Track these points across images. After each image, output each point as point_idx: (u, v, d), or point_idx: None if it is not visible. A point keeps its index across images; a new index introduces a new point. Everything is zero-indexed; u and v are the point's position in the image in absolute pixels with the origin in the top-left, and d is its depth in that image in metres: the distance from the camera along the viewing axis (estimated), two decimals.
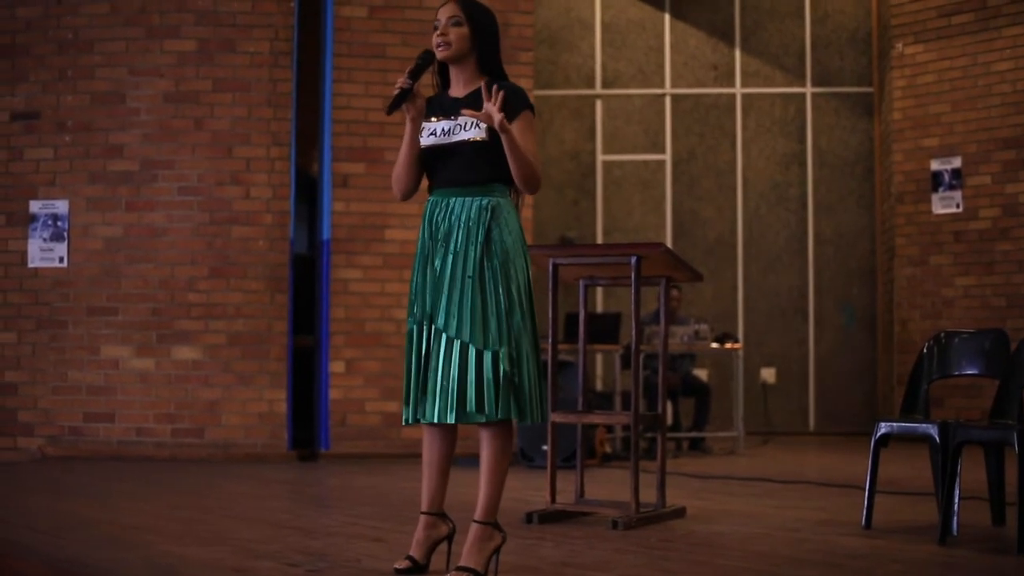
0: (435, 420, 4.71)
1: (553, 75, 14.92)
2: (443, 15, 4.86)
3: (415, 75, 4.83)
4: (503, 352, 4.65)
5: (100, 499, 7.84)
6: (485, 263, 4.71)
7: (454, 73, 4.93)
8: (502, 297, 4.69)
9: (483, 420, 4.64)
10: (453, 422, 4.70)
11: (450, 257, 4.74)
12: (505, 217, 4.76)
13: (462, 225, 4.75)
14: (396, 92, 4.79)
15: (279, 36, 11.21)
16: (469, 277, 4.70)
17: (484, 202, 4.76)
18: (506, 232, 4.74)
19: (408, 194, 4.98)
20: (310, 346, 11.35)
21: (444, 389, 4.68)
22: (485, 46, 4.88)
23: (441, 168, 4.85)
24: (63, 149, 11.11)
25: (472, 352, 4.66)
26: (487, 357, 4.64)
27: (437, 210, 4.82)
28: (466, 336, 4.67)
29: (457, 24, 4.83)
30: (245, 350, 10.99)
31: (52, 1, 11.17)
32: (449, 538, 4.97)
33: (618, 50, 15.04)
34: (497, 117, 4.61)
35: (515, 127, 4.73)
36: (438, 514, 4.92)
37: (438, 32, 4.85)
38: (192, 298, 11.00)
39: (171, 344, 10.97)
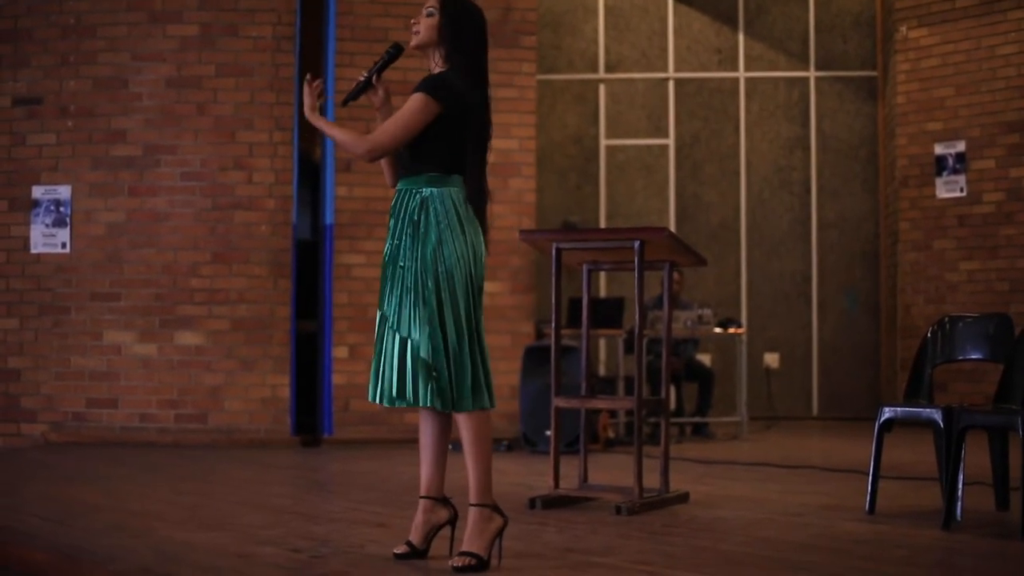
0: (374, 402, 4.91)
1: (556, 59, 14.88)
2: (424, 6, 4.98)
3: (377, 69, 5.02)
4: (422, 340, 4.75)
5: (103, 485, 7.85)
6: (412, 251, 4.83)
7: (429, 62, 5.02)
8: (420, 286, 4.80)
9: (404, 405, 4.82)
10: (386, 404, 4.88)
11: (392, 246, 4.92)
12: (438, 207, 4.85)
13: (402, 215, 4.91)
14: (355, 85, 5.01)
15: (281, 20, 11.19)
16: (401, 267, 4.85)
17: (416, 191, 4.89)
18: (433, 221, 4.83)
19: (394, 182, 5.09)
20: (313, 331, 11.35)
21: (380, 373, 4.88)
22: (452, 38, 4.92)
23: (397, 160, 5.01)
24: (65, 134, 11.10)
25: (398, 338, 4.82)
26: (407, 344, 4.79)
27: (393, 200, 4.99)
28: (396, 323, 4.84)
29: (430, 15, 4.94)
30: (248, 335, 10.99)
31: None
32: (451, 523, 4.98)
33: (621, 34, 15.00)
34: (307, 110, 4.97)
35: (407, 101, 4.82)
36: (437, 498, 4.96)
37: (413, 21, 4.99)
38: (195, 283, 11.00)
39: (174, 330, 10.96)
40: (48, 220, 11.03)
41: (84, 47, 11.13)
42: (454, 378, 4.75)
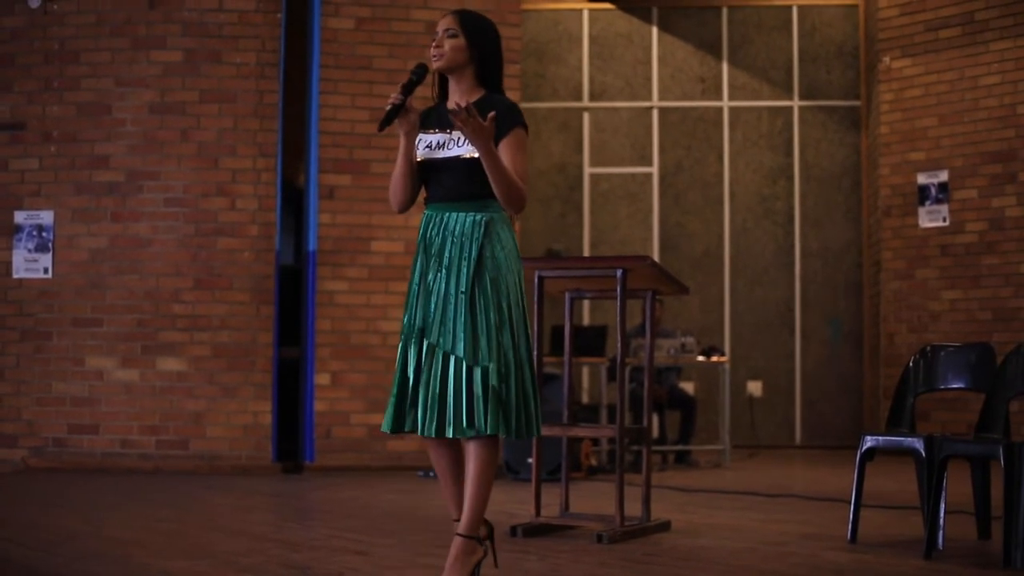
0: (423, 433, 4.68)
1: (541, 88, 14.92)
2: (440, 27, 4.87)
3: (407, 90, 4.81)
4: (492, 367, 4.62)
5: (84, 511, 7.81)
6: (477, 278, 4.69)
7: (452, 85, 4.92)
8: (492, 313, 4.66)
9: (473, 435, 4.61)
10: (450, 436, 4.65)
11: (443, 272, 4.73)
12: (498, 232, 4.75)
13: (455, 240, 4.74)
14: (387, 108, 4.78)
15: (265, 47, 11.19)
16: (462, 293, 4.68)
17: (478, 217, 4.75)
18: (498, 248, 4.73)
19: (404, 207, 4.94)
20: (295, 358, 11.32)
21: (436, 403, 4.65)
22: (483, 58, 4.88)
23: (435, 182, 4.85)
24: (48, 160, 11.08)
25: (464, 367, 4.63)
26: (477, 372, 4.62)
27: (431, 225, 4.81)
28: (459, 351, 4.65)
29: (452, 36, 4.83)
30: (230, 362, 10.95)
31: (38, 11, 11.14)
32: (488, 538, 4.86)
33: (606, 63, 15.04)
34: (481, 134, 4.56)
35: (505, 143, 4.73)
36: None
37: (434, 43, 4.86)
38: (177, 309, 10.97)
39: (156, 355, 10.93)
40: (30, 245, 11.00)
41: (68, 72, 11.12)
42: (522, 405, 4.68)
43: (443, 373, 4.67)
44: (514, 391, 4.66)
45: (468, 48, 4.84)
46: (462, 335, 4.65)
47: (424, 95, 4.95)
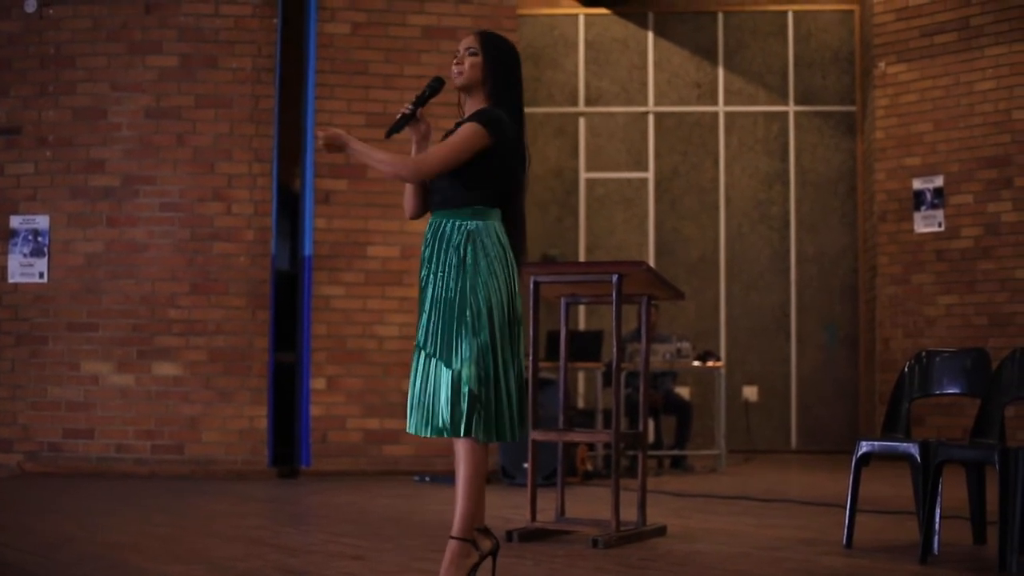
0: (413, 433, 4.83)
1: (537, 93, 14.92)
2: (462, 45, 5.03)
3: (420, 101, 4.99)
4: (469, 370, 4.71)
5: (79, 516, 7.79)
6: (458, 283, 4.79)
7: (468, 101, 5.05)
8: (470, 317, 4.75)
9: (445, 436, 4.73)
10: (410, 432, 4.82)
11: (430, 277, 4.86)
12: (483, 239, 4.82)
13: (443, 246, 4.85)
14: (398, 116, 4.96)
15: (261, 52, 11.19)
16: (442, 297, 4.80)
17: (461, 224, 4.85)
18: (480, 254, 4.80)
19: (416, 214, 5.09)
20: (291, 363, 11.31)
21: (420, 404, 4.80)
22: (496, 77, 4.97)
23: (434, 190, 4.97)
24: (44, 164, 11.08)
25: (441, 369, 4.75)
26: (451, 375, 4.73)
27: (428, 231, 4.94)
28: (438, 354, 4.77)
29: (473, 54, 4.97)
30: (226, 366, 10.95)
31: (34, 15, 11.14)
32: (492, 554, 4.90)
33: (601, 68, 15.05)
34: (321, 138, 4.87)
35: (459, 129, 4.84)
36: (479, 529, 4.87)
37: (456, 61, 5.00)
38: (173, 314, 10.97)
39: (151, 360, 10.92)
40: (26, 250, 10.99)
41: (63, 77, 11.13)
42: (505, 409, 4.75)
43: (423, 373, 4.81)
44: (493, 395, 4.73)
45: (484, 66, 4.96)
46: (439, 338, 4.78)
47: (449, 102, 5.12)
